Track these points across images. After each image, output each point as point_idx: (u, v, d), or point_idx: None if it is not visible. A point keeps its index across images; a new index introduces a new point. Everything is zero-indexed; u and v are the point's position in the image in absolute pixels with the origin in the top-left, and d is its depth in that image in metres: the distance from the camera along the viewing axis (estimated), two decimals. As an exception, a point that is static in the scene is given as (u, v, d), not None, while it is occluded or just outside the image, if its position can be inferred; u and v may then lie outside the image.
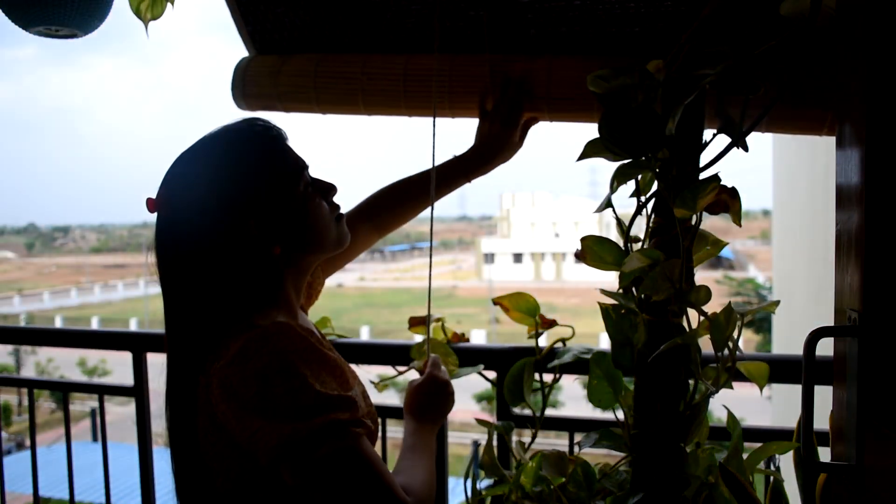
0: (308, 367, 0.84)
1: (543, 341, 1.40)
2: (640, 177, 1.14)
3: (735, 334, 1.06)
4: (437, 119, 1.29)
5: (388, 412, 1.52)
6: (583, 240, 1.17)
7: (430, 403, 1.10)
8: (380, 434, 1.23)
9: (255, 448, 0.83)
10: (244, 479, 0.88)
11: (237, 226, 0.92)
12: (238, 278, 0.93)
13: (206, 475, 0.91)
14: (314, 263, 1.05)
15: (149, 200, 0.94)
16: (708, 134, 1.08)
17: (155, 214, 0.95)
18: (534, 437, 1.36)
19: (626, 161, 1.08)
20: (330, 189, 1.03)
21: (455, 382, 1.47)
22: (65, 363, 19.80)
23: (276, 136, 0.97)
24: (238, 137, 0.96)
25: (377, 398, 1.16)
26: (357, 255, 1.34)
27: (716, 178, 1.01)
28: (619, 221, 1.18)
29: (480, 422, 1.41)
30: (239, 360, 0.84)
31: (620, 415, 1.24)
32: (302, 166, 0.99)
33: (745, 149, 1.02)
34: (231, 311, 0.92)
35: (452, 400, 1.13)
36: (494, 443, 1.34)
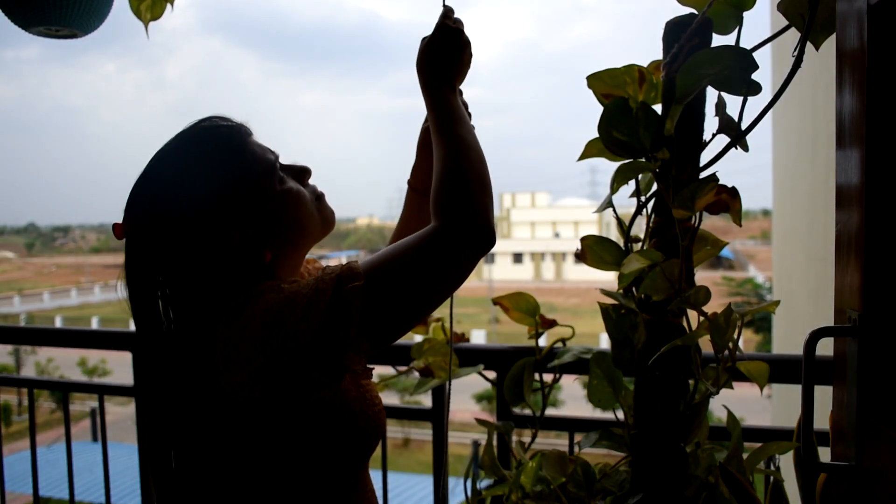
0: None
1: (543, 341, 1.40)
2: (640, 177, 1.14)
3: (735, 335, 1.06)
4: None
5: (387, 412, 1.52)
6: (583, 240, 1.17)
7: (444, 57, 0.98)
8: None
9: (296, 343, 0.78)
10: (251, 464, 0.87)
11: (220, 244, 0.87)
12: (227, 293, 0.88)
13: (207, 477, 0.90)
14: (305, 253, 1.01)
15: (115, 226, 0.89)
16: (708, 134, 1.08)
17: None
18: (534, 437, 1.36)
19: (626, 161, 1.08)
20: (304, 172, 0.98)
21: (455, 382, 1.47)
22: (65, 363, 19.79)
23: (238, 135, 0.92)
24: (200, 149, 0.90)
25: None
26: None
27: (714, 177, 1.01)
28: (619, 221, 1.18)
29: (480, 422, 1.41)
30: (231, 320, 0.82)
31: (620, 415, 1.24)
32: (272, 160, 0.93)
33: (745, 149, 1.02)
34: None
35: (469, 54, 1.00)
36: (494, 443, 1.34)
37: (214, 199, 0.87)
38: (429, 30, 1.09)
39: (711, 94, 1.06)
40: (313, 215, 0.97)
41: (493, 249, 0.88)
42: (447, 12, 1.02)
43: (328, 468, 0.91)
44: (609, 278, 1.15)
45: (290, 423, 0.86)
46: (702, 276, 1.13)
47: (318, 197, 0.99)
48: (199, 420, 0.89)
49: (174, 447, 0.91)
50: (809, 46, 1.01)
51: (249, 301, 0.83)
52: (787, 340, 5.10)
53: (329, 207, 1.00)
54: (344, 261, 1.26)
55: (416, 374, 1.45)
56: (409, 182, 1.22)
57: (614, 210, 1.16)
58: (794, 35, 1.03)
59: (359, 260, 0.84)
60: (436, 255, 0.82)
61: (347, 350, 0.79)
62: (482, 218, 0.85)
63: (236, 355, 0.81)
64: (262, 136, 0.96)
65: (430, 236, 0.83)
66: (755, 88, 0.99)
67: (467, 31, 1.02)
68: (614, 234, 1.28)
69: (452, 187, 0.86)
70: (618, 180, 1.09)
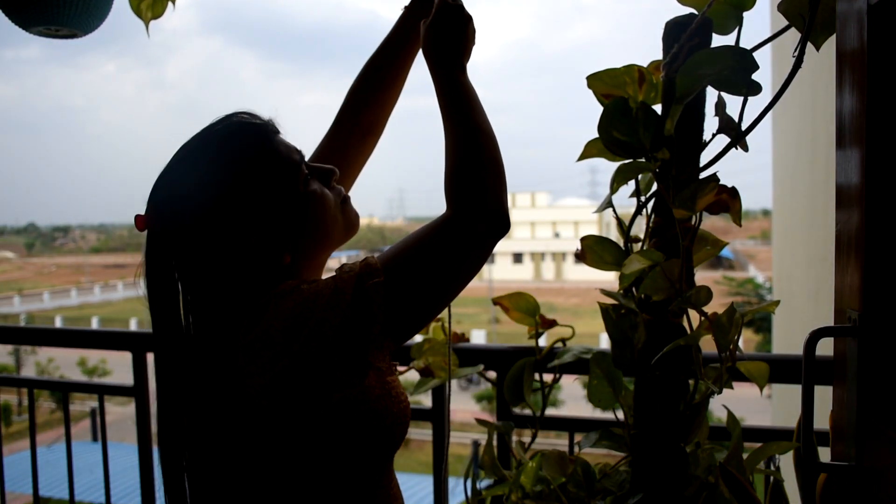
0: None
1: (543, 341, 1.40)
2: (640, 177, 1.14)
3: (736, 334, 1.06)
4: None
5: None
6: (583, 240, 1.17)
7: (447, 36, 0.95)
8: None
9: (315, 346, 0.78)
10: (278, 463, 0.87)
11: (238, 243, 0.87)
12: (246, 294, 0.88)
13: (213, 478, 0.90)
14: (328, 255, 1.00)
15: (138, 218, 0.89)
16: (708, 134, 1.08)
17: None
18: (534, 437, 1.36)
19: (626, 161, 1.08)
20: (330, 174, 0.96)
21: (454, 382, 1.46)
22: (65, 363, 19.79)
23: (263, 133, 0.91)
24: (224, 145, 0.89)
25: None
26: (360, 171, 1.19)
27: (715, 177, 1.01)
28: (619, 221, 1.18)
29: (480, 422, 1.41)
30: (253, 323, 0.82)
31: (620, 415, 1.24)
32: (297, 160, 0.92)
33: (745, 149, 1.02)
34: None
35: (472, 29, 0.98)
36: (494, 443, 1.34)
37: (234, 198, 0.87)
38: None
39: (711, 94, 1.06)
40: (336, 219, 0.95)
41: (494, 249, 0.87)
42: None
43: (353, 466, 0.90)
44: (609, 278, 1.15)
45: (313, 423, 0.86)
46: (702, 276, 1.13)
47: (344, 200, 0.98)
48: (219, 421, 0.89)
49: (189, 448, 0.91)
50: (809, 46, 1.01)
51: (269, 304, 0.83)
52: (787, 340, 5.10)
53: (353, 211, 0.99)
54: (344, 259, 1.26)
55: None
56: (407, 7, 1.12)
57: (614, 210, 1.16)
58: (793, 35, 1.03)
59: (374, 255, 0.84)
60: (451, 242, 0.82)
61: (370, 348, 0.79)
62: (495, 202, 0.84)
63: (259, 359, 0.81)
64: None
65: (443, 224, 0.83)
66: (755, 88, 0.99)
67: (466, 5, 0.99)
68: (614, 234, 1.28)
69: (464, 175, 0.85)
70: (618, 180, 1.09)
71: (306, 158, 0.97)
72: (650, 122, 1.04)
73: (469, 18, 0.98)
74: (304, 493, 0.88)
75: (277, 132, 0.93)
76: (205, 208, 0.87)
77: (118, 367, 17.22)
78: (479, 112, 0.91)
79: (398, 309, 0.80)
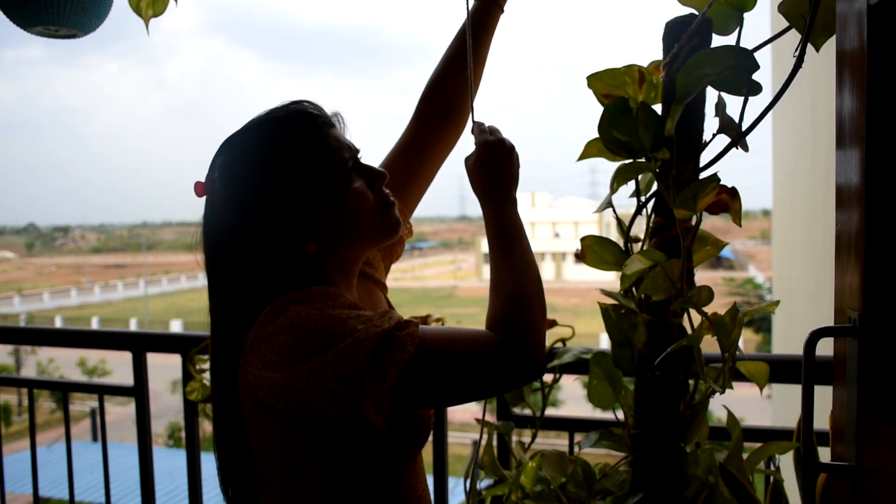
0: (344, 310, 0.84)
1: (543, 341, 1.40)
2: (640, 177, 1.14)
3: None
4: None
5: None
6: (583, 240, 1.17)
7: (493, 172, 0.97)
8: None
9: (316, 387, 0.80)
10: (287, 456, 0.88)
11: (267, 222, 0.90)
12: (272, 273, 0.91)
13: (250, 461, 0.92)
14: (361, 255, 1.00)
15: (197, 184, 0.93)
16: (708, 134, 1.08)
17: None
18: (534, 437, 1.36)
19: (626, 161, 1.08)
20: (378, 177, 0.97)
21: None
22: (65, 363, 19.79)
23: (317, 126, 0.93)
24: (275, 128, 0.92)
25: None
26: (441, 161, 1.22)
27: (715, 177, 1.01)
28: (619, 221, 1.18)
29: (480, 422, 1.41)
30: (267, 320, 0.84)
31: (620, 415, 1.24)
32: (345, 157, 0.93)
33: (745, 149, 1.02)
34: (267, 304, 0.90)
35: (516, 157, 1.00)
36: (494, 443, 1.34)
37: (270, 181, 0.90)
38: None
39: (711, 95, 1.06)
40: (370, 220, 0.95)
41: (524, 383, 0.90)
42: (480, 127, 1.03)
43: (361, 466, 0.90)
44: (609, 278, 1.16)
45: (312, 425, 0.87)
46: (702, 277, 1.13)
47: (386, 204, 0.98)
48: (239, 412, 0.91)
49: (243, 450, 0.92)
50: (809, 47, 1.01)
51: (287, 307, 0.84)
52: (787, 340, 5.10)
53: (395, 217, 0.98)
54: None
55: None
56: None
57: (614, 210, 1.16)
58: (792, 35, 1.03)
59: (420, 326, 0.85)
60: (489, 368, 0.85)
61: (368, 403, 0.81)
62: (539, 352, 0.87)
63: (261, 355, 0.84)
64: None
65: (491, 348, 0.85)
66: (756, 89, 0.99)
67: (506, 134, 1.01)
68: (614, 234, 1.28)
69: (517, 313, 0.87)
70: (618, 180, 1.09)
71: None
72: (650, 122, 1.04)
73: (511, 149, 1.00)
74: (314, 487, 0.89)
75: (333, 126, 0.95)
76: (241, 183, 0.91)
77: (118, 367, 17.21)
78: (527, 248, 0.94)
79: (410, 389, 0.82)
